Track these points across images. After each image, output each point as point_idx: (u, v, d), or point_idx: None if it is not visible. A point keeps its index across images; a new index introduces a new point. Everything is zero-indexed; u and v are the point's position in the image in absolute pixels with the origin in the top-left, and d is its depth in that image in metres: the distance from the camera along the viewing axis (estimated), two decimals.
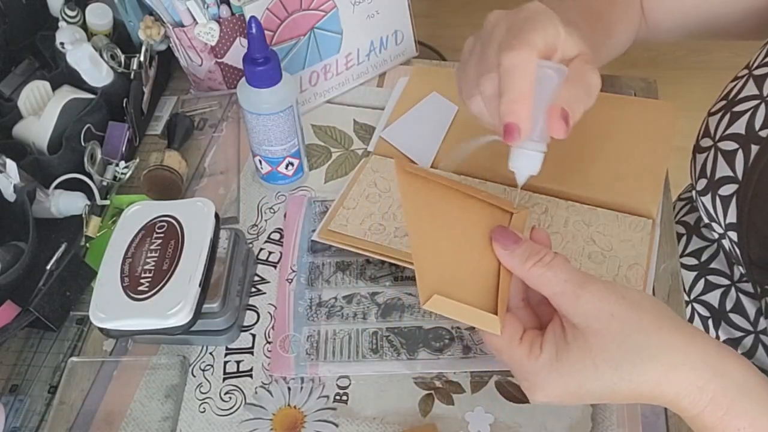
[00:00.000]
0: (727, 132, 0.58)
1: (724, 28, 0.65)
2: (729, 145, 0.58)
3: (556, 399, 0.42)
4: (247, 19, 0.58)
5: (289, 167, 0.67)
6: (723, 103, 0.61)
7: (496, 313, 0.44)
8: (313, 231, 0.64)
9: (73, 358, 0.57)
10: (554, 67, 0.45)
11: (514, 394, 0.54)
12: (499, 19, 0.46)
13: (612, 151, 0.67)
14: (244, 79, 0.61)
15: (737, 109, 0.58)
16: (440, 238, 0.48)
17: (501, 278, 0.46)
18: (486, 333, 0.44)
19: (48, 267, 0.58)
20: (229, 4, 0.71)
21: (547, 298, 0.43)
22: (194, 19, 0.70)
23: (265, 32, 0.63)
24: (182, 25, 0.71)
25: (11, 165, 0.59)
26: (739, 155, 0.56)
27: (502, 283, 0.46)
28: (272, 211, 0.68)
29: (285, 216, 0.67)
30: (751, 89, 0.57)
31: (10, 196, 0.60)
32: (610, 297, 0.41)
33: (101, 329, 0.50)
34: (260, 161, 0.67)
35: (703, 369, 0.40)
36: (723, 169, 0.58)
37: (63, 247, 0.59)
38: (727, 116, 0.59)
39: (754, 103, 0.56)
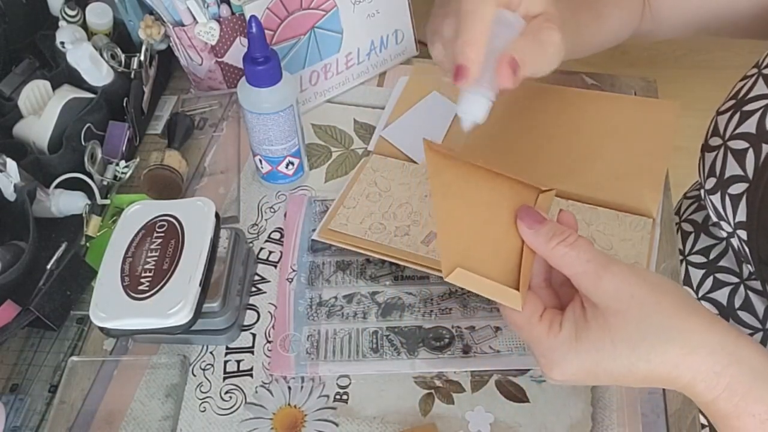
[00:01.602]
0: (738, 131, 0.58)
1: (729, 24, 0.65)
2: (739, 144, 0.58)
3: (573, 377, 0.42)
4: (248, 18, 0.58)
5: (290, 167, 0.67)
6: (732, 102, 0.60)
7: (518, 289, 0.44)
8: (314, 230, 0.64)
9: (74, 358, 0.57)
10: (513, 18, 0.46)
11: (514, 393, 0.54)
12: None
13: (612, 150, 0.67)
14: (244, 78, 0.61)
15: (747, 108, 0.58)
16: (465, 214, 0.48)
17: (524, 256, 0.46)
18: (506, 309, 0.45)
19: (48, 266, 0.58)
20: (229, 4, 0.71)
21: (569, 279, 0.44)
22: (194, 19, 0.70)
23: (266, 31, 0.63)
24: (182, 25, 0.71)
25: (11, 164, 0.59)
26: (750, 154, 0.56)
27: (525, 261, 0.46)
28: (272, 210, 0.68)
29: (285, 215, 0.67)
30: (761, 88, 0.57)
31: (11, 195, 0.60)
32: (631, 278, 0.41)
33: (101, 328, 0.50)
34: (260, 161, 0.67)
35: (721, 354, 0.40)
36: (733, 168, 0.58)
37: (63, 246, 0.59)
38: (737, 115, 0.58)
39: (765, 102, 0.56)
